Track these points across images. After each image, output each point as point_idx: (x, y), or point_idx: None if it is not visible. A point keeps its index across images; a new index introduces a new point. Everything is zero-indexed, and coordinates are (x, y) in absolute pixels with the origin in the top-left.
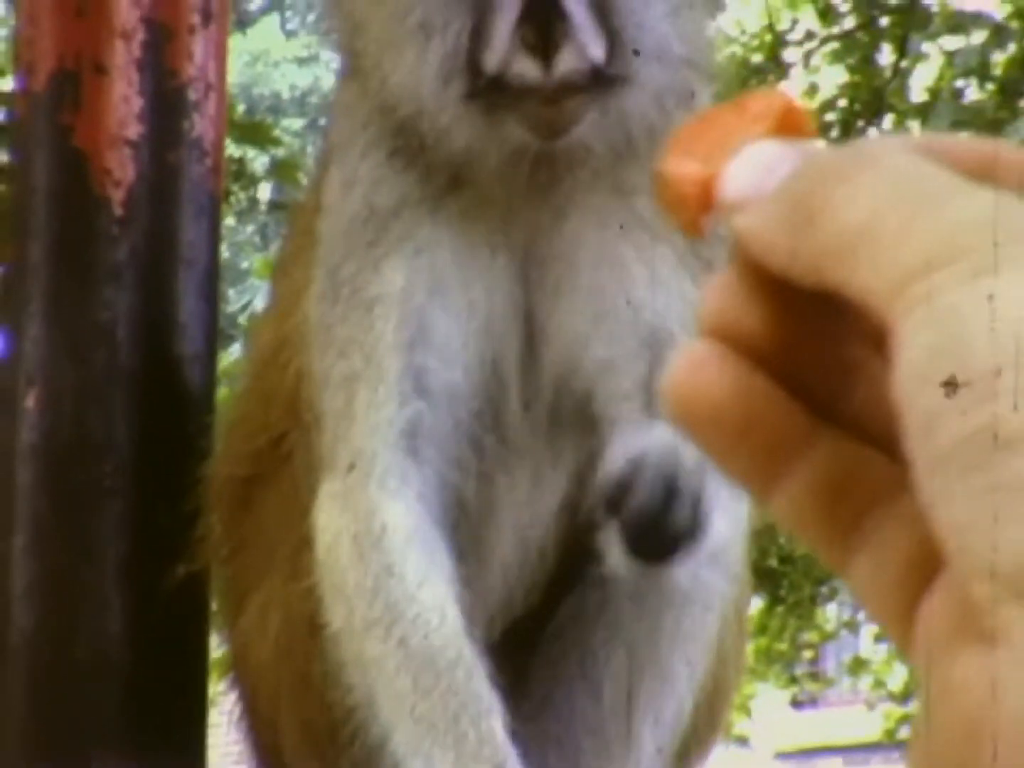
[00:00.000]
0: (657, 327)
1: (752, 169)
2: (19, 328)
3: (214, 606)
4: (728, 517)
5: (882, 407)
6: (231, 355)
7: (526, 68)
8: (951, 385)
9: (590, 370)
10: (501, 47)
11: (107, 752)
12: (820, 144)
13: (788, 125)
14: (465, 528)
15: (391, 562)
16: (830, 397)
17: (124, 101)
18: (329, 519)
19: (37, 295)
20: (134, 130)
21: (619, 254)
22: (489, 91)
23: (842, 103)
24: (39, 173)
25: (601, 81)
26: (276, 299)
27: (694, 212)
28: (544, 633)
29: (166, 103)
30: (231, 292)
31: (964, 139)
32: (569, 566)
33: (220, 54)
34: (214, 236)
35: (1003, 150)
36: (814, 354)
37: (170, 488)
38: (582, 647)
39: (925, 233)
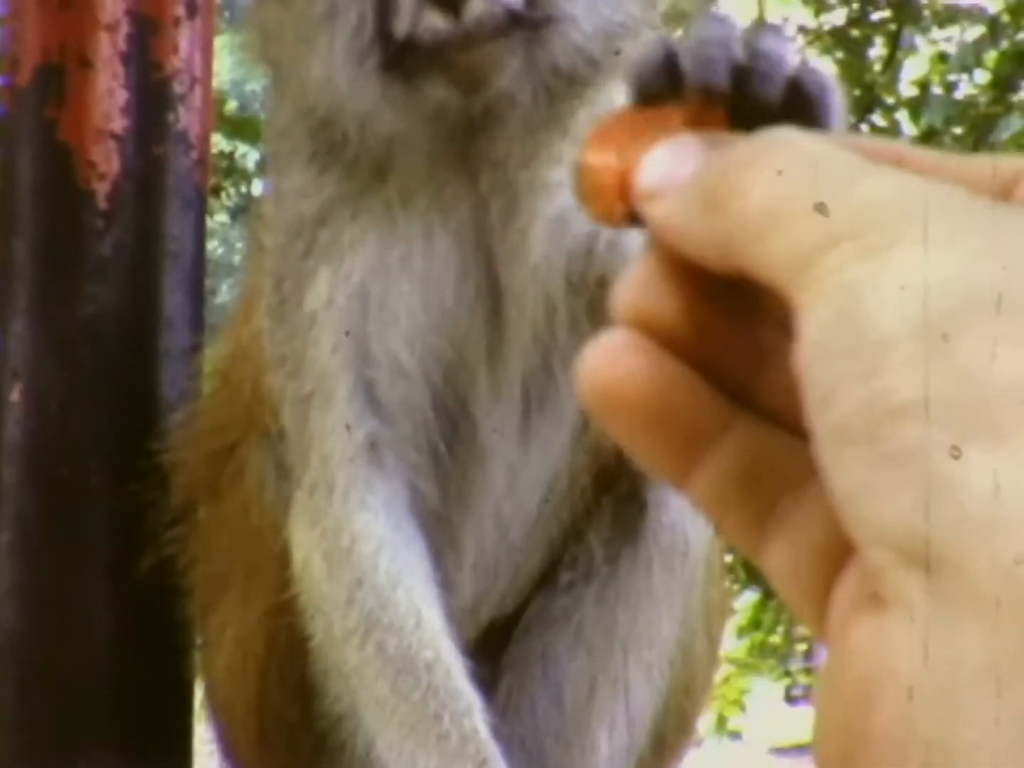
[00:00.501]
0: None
1: (667, 159)
2: (3, 323)
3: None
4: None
5: (794, 391)
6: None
7: (435, 21)
8: (848, 356)
9: (558, 337)
10: (408, 7)
11: (94, 752)
12: (735, 138)
13: (703, 121)
14: (443, 528)
15: (362, 573)
16: (746, 383)
17: (109, 94)
18: (301, 536)
19: (22, 290)
20: (119, 123)
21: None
22: (403, 56)
23: None
24: (24, 167)
25: (521, 24)
26: (236, 309)
27: (611, 202)
28: (512, 635)
29: (151, 96)
30: (223, 287)
31: (874, 139)
32: (547, 567)
33: (206, 47)
34: (200, 230)
35: (908, 151)
36: (729, 341)
37: (157, 485)
38: (546, 651)
39: (831, 211)
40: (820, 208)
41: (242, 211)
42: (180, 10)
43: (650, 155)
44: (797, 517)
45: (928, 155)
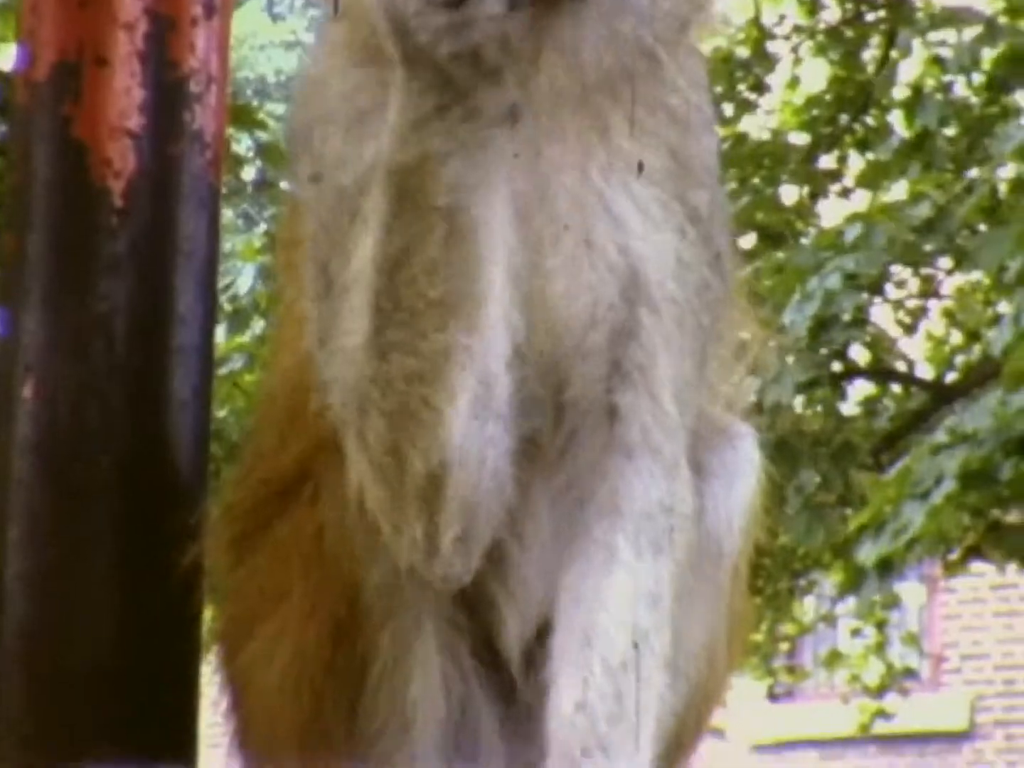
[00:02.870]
0: (638, 273)
1: None
2: (17, 318)
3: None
4: (727, 502)
5: None
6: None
7: None
8: None
9: (571, 327)
10: None
11: (100, 743)
12: None
13: None
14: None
15: None
16: None
17: (125, 92)
18: None
19: (35, 285)
20: (135, 122)
21: (604, 197)
22: None
23: (828, 98)
24: (40, 163)
25: None
26: (277, 327)
27: None
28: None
29: (167, 95)
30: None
31: None
32: None
33: (222, 47)
34: (214, 228)
35: None
36: None
37: (167, 482)
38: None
39: None
40: None
41: (235, 195)
42: (198, 10)
43: None
44: None
45: None
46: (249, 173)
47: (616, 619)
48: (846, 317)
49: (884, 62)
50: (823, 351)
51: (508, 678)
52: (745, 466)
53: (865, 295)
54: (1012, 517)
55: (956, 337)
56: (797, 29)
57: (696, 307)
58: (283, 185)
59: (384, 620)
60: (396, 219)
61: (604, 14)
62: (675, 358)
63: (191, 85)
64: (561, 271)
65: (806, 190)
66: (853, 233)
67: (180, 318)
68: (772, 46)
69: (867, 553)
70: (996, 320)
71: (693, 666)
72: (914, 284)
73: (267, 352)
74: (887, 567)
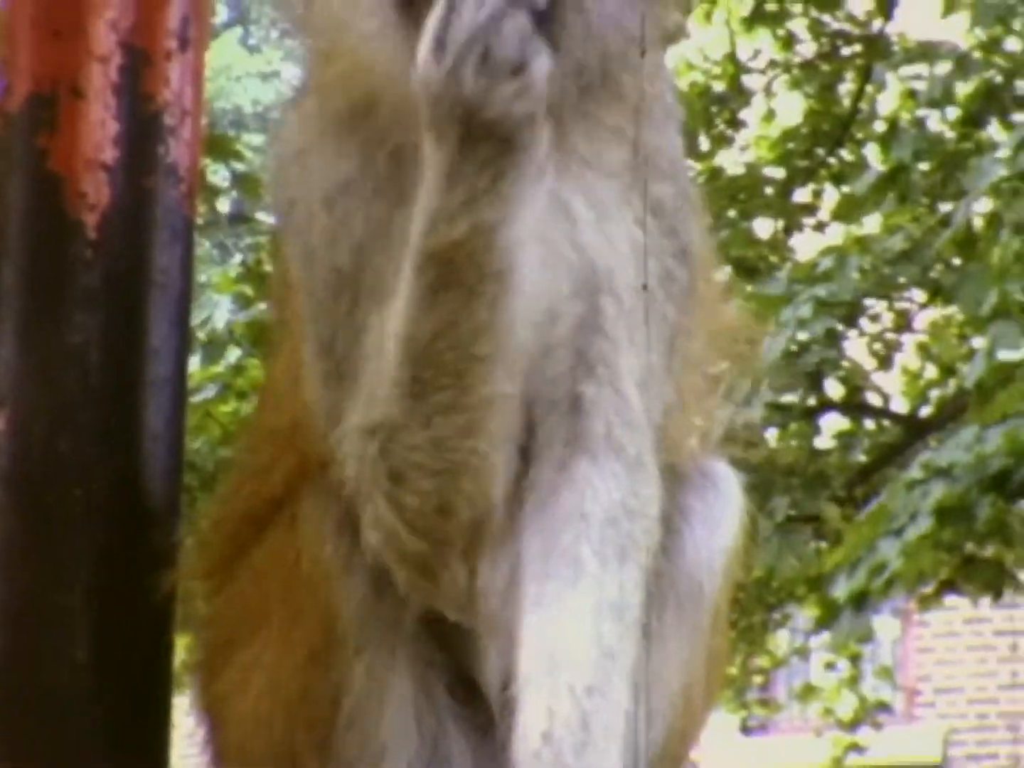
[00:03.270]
0: (597, 268)
1: None
2: None
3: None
4: (709, 543)
5: None
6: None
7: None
8: None
9: (532, 323)
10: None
11: None
12: None
13: None
14: None
15: None
16: None
17: (100, 125)
18: None
19: (9, 316)
20: (110, 154)
21: (558, 195)
22: None
23: (803, 131)
24: (14, 195)
25: None
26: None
27: None
28: None
29: (142, 128)
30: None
31: None
32: None
33: (197, 80)
34: (188, 261)
35: None
36: None
37: (140, 512)
38: None
39: None
40: None
41: (210, 226)
42: (172, 43)
43: None
44: None
45: None
46: (225, 204)
47: (582, 636)
48: (817, 346)
49: (859, 96)
50: (796, 380)
51: (484, 711)
52: (728, 509)
53: (837, 323)
54: (986, 552)
55: (931, 371)
56: (772, 64)
57: (660, 297)
58: (260, 216)
59: (358, 651)
60: (438, 294)
61: (565, 14)
62: (640, 349)
63: (165, 118)
64: (518, 269)
65: (781, 224)
66: (827, 264)
67: (153, 350)
68: (748, 80)
69: (841, 589)
70: (970, 354)
71: (670, 705)
72: (888, 318)
73: (254, 382)
74: (861, 602)
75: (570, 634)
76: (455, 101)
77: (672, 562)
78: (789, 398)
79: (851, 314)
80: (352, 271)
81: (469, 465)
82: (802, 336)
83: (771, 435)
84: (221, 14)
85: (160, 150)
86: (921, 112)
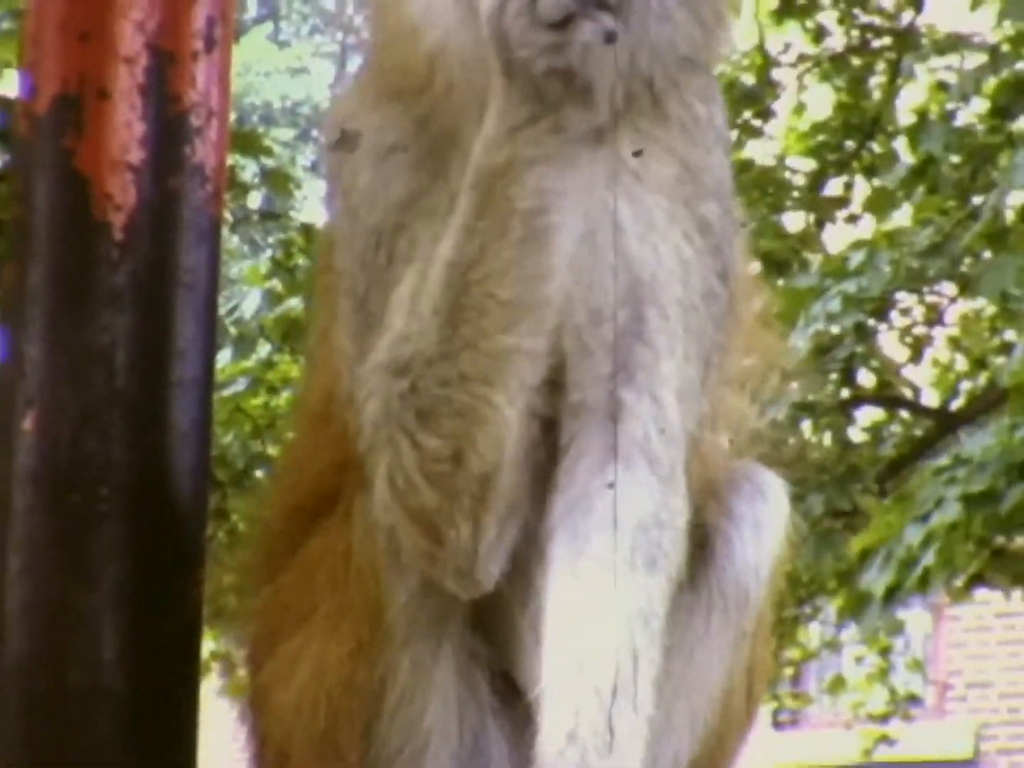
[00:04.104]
0: (642, 278)
1: None
2: (18, 350)
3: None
4: (757, 549)
5: None
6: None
7: None
8: None
9: (576, 326)
10: None
11: None
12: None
13: None
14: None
15: None
16: None
17: (126, 126)
18: None
19: (36, 317)
20: (136, 155)
21: (607, 204)
22: None
23: (833, 124)
24: (40, 196)
25: None
26: (313, 351)
27: None
28: None
29: (168, 129)
30: (219, 298)
31: None
32: None
33: (223, 80)
34: (214, 261)
35: None
36: None
37: (167, 512)
38: None
39: None
40: None
41: (241, 223)
42: (198, 44)
43: None
44: None
45: None
46: (255, 200)
47: (609, 640)
48: (847, 338)
49: (890, 89)
50: (829, 374)
51: (522, 708)
52: (776, 516)
53: (867, 318)
54: (1017, 544)
55: (961, 364)
56: (802, 57)
57: (702, 313)
58: (290, 212)
59: (405, 643)
60: (478, 220)
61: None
62: (679, 361)
63: (192, 119)
64: (565, 272)
65: (812, 217)
66: (857, 259)
67: (180, 351)
68: (777, 73)
69: (872, 580)
70: (1001, 347)
71: (710, 709)
72: (919, 312)
73: (284, 376)
74: (892, 596)
75: (597, 637)
76: (499, 29)
77: (721, 567)
78: (819, 393)
79: (881, 308)
80: (390, 231)
81: (482, 414)
82: (833, 330)
83: (802, 430)
84: (251, 9)
85: (186, 151)
86: (950, 106)
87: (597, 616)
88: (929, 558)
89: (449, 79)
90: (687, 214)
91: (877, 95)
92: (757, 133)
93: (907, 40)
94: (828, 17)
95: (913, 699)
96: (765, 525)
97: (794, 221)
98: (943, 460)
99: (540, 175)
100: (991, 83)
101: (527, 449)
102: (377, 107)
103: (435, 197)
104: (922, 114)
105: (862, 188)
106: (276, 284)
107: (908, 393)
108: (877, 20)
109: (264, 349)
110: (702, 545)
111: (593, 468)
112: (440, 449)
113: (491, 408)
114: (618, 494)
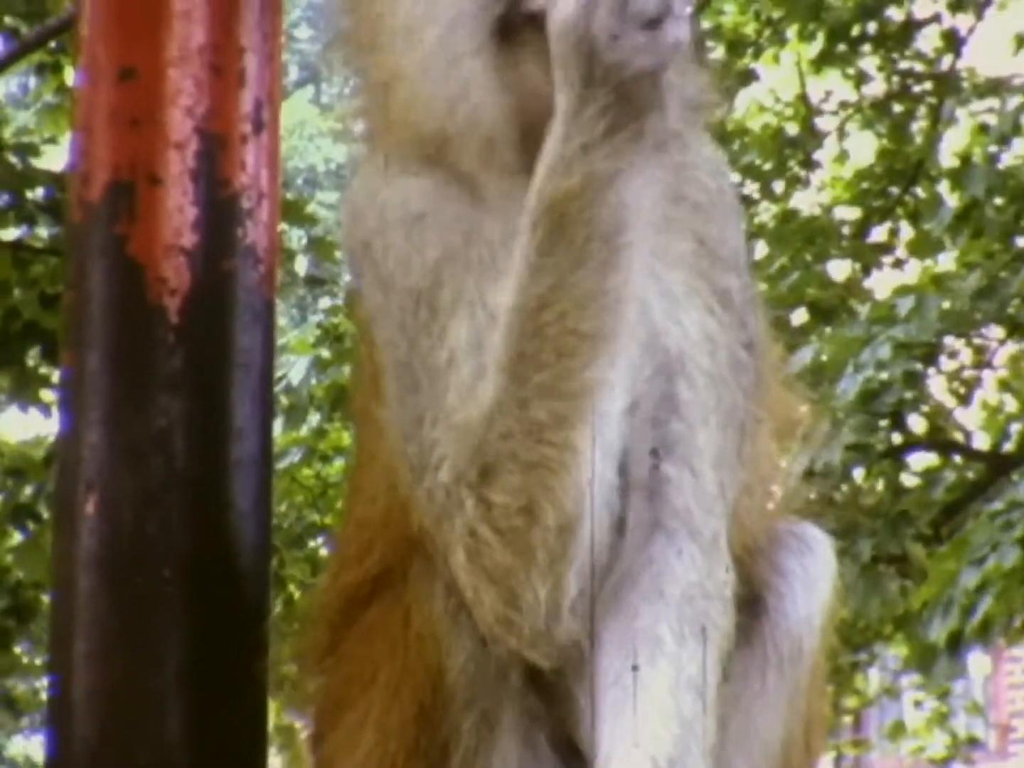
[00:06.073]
0: (670, 352)
1: None
2: (77, 435)
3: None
4: (808, 602)
5: None
6: None
7: None
8: None
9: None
10: None
11: None
12: None
13: None
14: None
15: None
16: None
17: (179, 211)
18: None
19: (95, 403)
20: (189, 239)
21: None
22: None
23: (877, 170)
24: (95, 283)
25: None
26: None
27: None
28: None
29: (219, 212)
30: None
31: None
32: None
33: (272, 162)
34: (269, 341)
35: None
36: None
37: (230, 592)
38: None
39: None
40: None
41: (287, 288)
42: (247, 127)
43: None
44: None
45: None
46: (301, 266)
47: (662, 712)
48: (896, 384)
49: (932, 133)
50: (879, 422)
51: None
52: (824, 570)
53: (917, 364)
54: None
55: (1011, 405)
56: (844, 104)
57: (732, 385)
58: (337, 279)
59: (467, 706)
60: (546, 256)
61: None
62: (713, 432)
63: (243, 201)
64: (630, 242)
65: (857, 265)
66: (906, 305)
67: (238, 431)
68: (820, 122)
69: (936, 630)
70: None
71: (770, 765)
72: (967, 355)
73: (335, 444)
74: (957, 644)
75: (651, 710)
76: (583, 36)
77: (774, 622)
78: (870, 439)
79: (930, 354)
80: (429, 288)
81: (559, 460)
82: (882, 376)
83: (855, 476)
84: (293, 73)
85: (238, 233)
86: (992, 148)
87: (650, 690)
88: (987, 602)
89: (461, 141)
90: (707, 287)
91: (919, 140)
92: (802, 183)
93: (947, 84)
94: (868, 63)
95: (974, 742)
96: (815, 578)
97: (840, 269)
98: (998, 505)
99: (619, 190)
100: None
101: (610, 487)
102: (397, 180)
103: (472, 252)
104: (965, 158)
105: (906, 233)
106: (323, 351)
107: (959, 437)
108: (917, 65)
109: (314, 418)
110: (753, 602)
111: (636, 543)
112: (510, 503)
113: (569, 453)
114: (663, 568)
